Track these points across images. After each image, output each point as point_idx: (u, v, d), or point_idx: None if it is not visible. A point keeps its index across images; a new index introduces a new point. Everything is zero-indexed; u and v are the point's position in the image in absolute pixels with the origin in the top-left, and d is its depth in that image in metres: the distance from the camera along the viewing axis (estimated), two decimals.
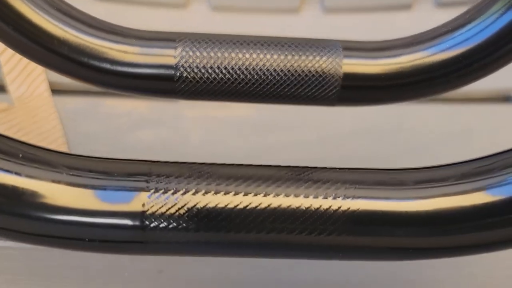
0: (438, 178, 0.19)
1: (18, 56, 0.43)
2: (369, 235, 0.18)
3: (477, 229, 0.18)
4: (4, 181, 0.18)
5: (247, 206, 0.18)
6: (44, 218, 0.18)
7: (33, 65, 0.43)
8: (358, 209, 0.18)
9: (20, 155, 0.18)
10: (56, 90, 0.43)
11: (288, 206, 0.18)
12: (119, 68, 0.25)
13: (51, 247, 0.19)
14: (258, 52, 0.25)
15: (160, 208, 0.18)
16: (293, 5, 0.48)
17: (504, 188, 0.18)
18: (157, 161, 0.19)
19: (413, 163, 0.20)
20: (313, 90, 0.26)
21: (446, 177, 0.19)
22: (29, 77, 0.43)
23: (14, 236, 0.18)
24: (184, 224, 0.18)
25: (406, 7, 0.48)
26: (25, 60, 0.44)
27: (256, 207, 0.18)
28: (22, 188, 0.18)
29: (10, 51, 0.43)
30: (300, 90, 0.26)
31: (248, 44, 0.26)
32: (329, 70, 0.25)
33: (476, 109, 0.45)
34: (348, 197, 0.18)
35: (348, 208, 0.18)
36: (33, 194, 0.18)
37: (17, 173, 0.18)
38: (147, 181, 0.18)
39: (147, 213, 0.18)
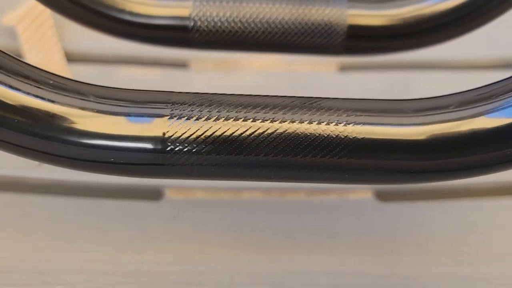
0: (438, 106, 0.20)
1: (34, 25, 0.45)
2: (371, 159, 0.20)
3: (477, 152, 0.20)
4: (37, 106, 0.19)
5: (257, 130, 0.20)
6: (73, 141, 0.20)
7: (49, 34, 0.45)
8: (360, 134, 0.20)
9: (51, 83, 0.20)
10: (71, 59, 0.45)
11: (295, 131, 0.20)
12: (137, 19, 0.27)
13: (80, 170, 0.21)
14: (267, 2, 0.27)
15: (179, 132, 0.20)
16: None
17: (502, 112, 0.19)
18: (175, 91, 0.21)
19: None
20: (320, 40, 0.27)
21: (446, 105, 0.20)
22: (45, 46, 0.44)
23: (45, 158, 0.20)
24: (202, 147, 0.20)
25: None
26: (42, 30, 0.45)
27: (266, 131, 0.20)
28: (54, 114, 0.19)
29: (27, 21, 0.45)
30: (307, 39, 0.27)
31: None
32: (334, 20, 0.27)
33: (479, 76, 0.46)
34: (350, 123, 0.20)
35: (350, 133, 0.20)
36: (62, 119, 0.19)
37: (50, 100, 0.19)
38: (167, 108, 0.20)
39: (168, 136, 0.20)
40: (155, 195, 0.33)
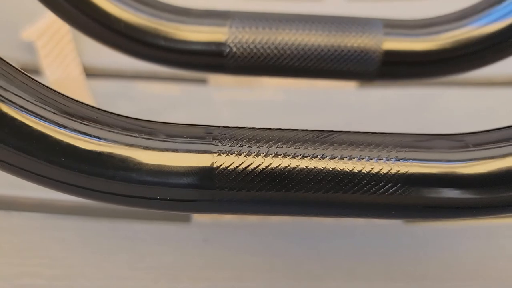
0: (496, 140, 0.20)
1: (54, 40, 0.45)
2: (422, 196, 0.20)
3: None
4: (82, 144, 0.19)
5: (307, 167, 0.19)
6: (120, 178, 0.19)
7: (68, 49, 0.44)
8: (410, 170, 0.20)
9: (96, 118, 0.19)
10: (90, 74, 0.45)
11: (345, 168, 0.19)
12: (172, 45, 0.27)
13: (125, 206, 0.20)
14: (303, 29, 0.27)
15: (228, 168, 0.19)
16: None
17: None
18: (224, 126, 0.20)
19: None
20: (355, 66, 0.27)
21: (506, 138, 0.20)
22: (64, 61, 0.44)
23: (91, 195, 0.20)
24: (251, 184, 0.19)
25: None
26: (60, 45, 0.45)
27: (317, 167, 0.19)
28: (100, 151, 0.19)
29: (47, 36, 0.45)
30: (342, 65, 0.27)
31: (293, 21, 0.27)
32: (370, 47, 0.27)
33: (499, 93, 0.46)
34: (400, 159, 0.20)
35: (400, 170, 0.19)
36: (109, 156, 0.19)
37: (96, 137, 0.19)
38: (216, 145, 0.20)
39: (216, 173, 0.19)
40: (183, 216, 0.33)
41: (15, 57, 0.44)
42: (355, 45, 0.27)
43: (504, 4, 0.25)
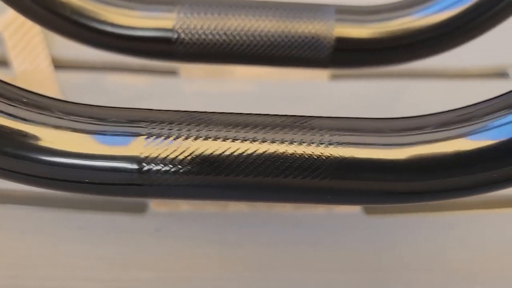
0: (419, 126, 0.20)
1: (21, 31, 0.44)
2: (353, 180, 0.19)
3: (459, 174, 0.19)
4: (8, 125, 0.19)
5: (237, 150, 0.19)
6: (48, 161, 0.19)
7: (36, 40, 0.44)
8: (342, 154, 0.19)
9: (25, 101, 0.19)
10: (59, 66, 0.44)
11: (276, 151, 0.19)
12: (119, 31, 0.26)
13: (55, 189, 0.20)
14: (253, 15, 0.26)
15: (156, 151, 0.19)
16: None
17: (484, 134, 0.19)
18: (153, 109, 0.20)
19: None
20: (306, 52, 0.27)
21: (428, 125, 0.19)
22: (32, 52, 0.44)
23: (18, 178, 0.19)
24: (180, 167, 0.19)
25: None
26: (28, 36, 0.45)
27: (246, 151, 0.19)
28: (26, 132, 0.19)
29: (13, 26, 0.44)
30: (293, 52, 0.27)
31: (243, 7, 0.26)
32: (322, 33, 0.26)
33: (473, 85, 0.45)
34: (332, 143, 0.19)
35: (332, 154, 0.19)
36: (36, 138, 0.19)
37: (22, 118, 0.19)
38: (144, 126, 0.19)
39: (144, 156, 0.19)
40: (139, 207, 0.32)
41: None
42: (306, 31, 0.26)
43: None
